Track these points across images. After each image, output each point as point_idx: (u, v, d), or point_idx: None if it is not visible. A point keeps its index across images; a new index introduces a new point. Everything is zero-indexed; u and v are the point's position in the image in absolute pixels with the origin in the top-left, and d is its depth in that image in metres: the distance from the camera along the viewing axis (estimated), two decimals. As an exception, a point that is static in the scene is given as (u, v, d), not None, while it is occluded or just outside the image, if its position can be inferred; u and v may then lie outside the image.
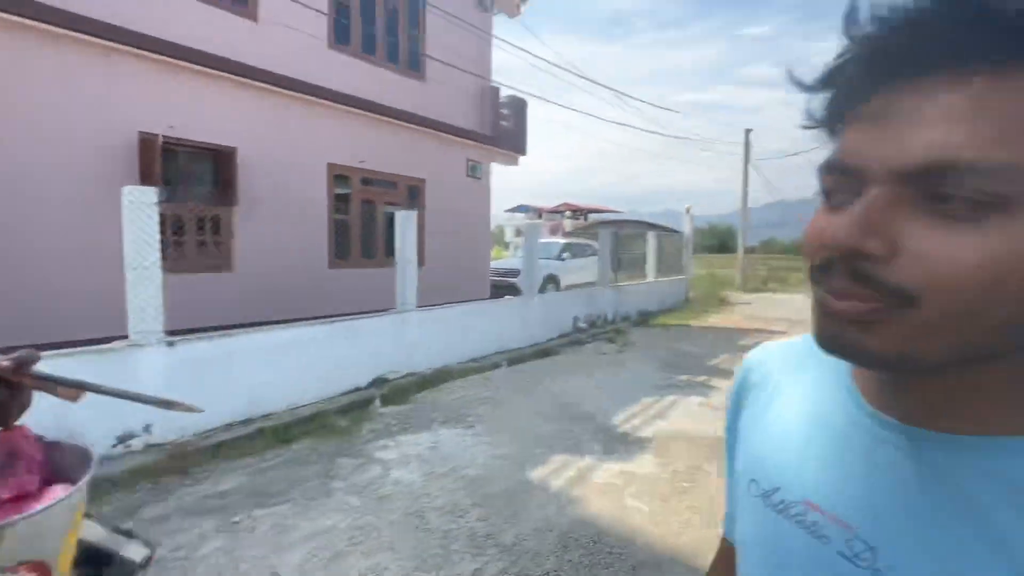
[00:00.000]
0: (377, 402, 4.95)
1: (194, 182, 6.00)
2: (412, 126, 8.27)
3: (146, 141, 5.35)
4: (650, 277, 12.21)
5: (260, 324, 5.13)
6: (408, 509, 2.99)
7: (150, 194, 3.85)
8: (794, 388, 0.50)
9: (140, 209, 3.77)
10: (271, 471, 3.48)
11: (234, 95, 6.17)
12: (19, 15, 4.58)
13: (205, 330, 4.62)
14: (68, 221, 4.87)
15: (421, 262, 6.64)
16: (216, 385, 4.10)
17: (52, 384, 0.71)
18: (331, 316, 5.47)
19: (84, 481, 0.70)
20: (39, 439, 0.73)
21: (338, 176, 7.43)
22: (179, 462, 3.46)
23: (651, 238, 12.37)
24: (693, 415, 4.80)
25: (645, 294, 11.52)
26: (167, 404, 0.82)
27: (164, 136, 5.50)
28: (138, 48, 5.29)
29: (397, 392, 5.24)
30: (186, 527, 2.74)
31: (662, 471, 3.61)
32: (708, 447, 3.97)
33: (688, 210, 14.93)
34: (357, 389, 5.26)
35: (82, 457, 0.74)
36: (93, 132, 5.12)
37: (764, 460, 0.48)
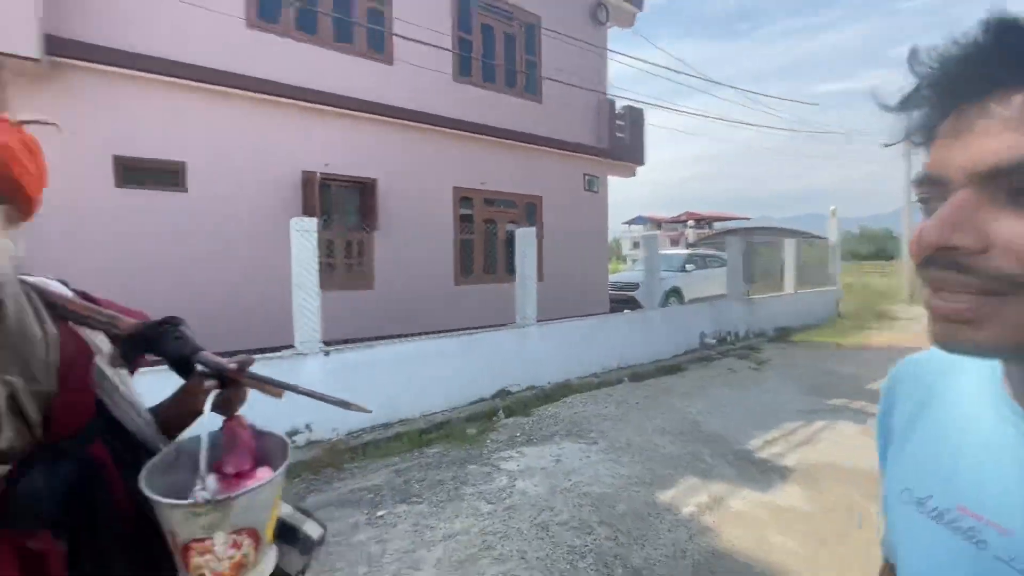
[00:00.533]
0: (500, 413, 5.11)
1: (343, 211, 6.84)
2: (530, 146, 8.56)
3: (307, 178, 6.24)
4: (789, 289, 11.03)
5: (395, 336, 5.63)
6: (534, 520, 3.03)
7: (311, 223, 4.47)
8: (944, 395, 0.51)
9: (304, 236, 4.40)
10: (409, 472, 3.77)
11: (375, 132, 6.95)
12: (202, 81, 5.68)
13: (350, 341, 5.19)
14: (250, 247, 5.84)
15: (540, 277, 6.78)
16: (362, 390, 4.57)
17: (263, 384, 0.86)
18: (457, 330, 5.81)
19: (284, 466, 0.82)
20: (251, 428, 0.88)
21: (463, 198, 7.94)
22: (334, 457, 3.90)
23: (789, 245, 11.20)
24: (847, 444, 4.20)
25: (784, 308, 10.43)
26: (344, 404, 0.95)
27: (321, 173, 6.36)
28: (300, 100, 6.23)
29: (519, 404, 5.36)
30: (341, 516, 3.07)
31: (812, 506, 3.21)
32: (867, 482, 3.44)
33: (833, 212, 13.26)
34: (482, 400, 5.49)
35: (280, 446, 0.88)
36: (267, 172, 6.11)
37: (917, 468, 0.49)
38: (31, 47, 4.47)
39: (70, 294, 0.83)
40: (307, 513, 1.00)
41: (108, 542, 0.74)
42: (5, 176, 0.71)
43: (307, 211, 6.18)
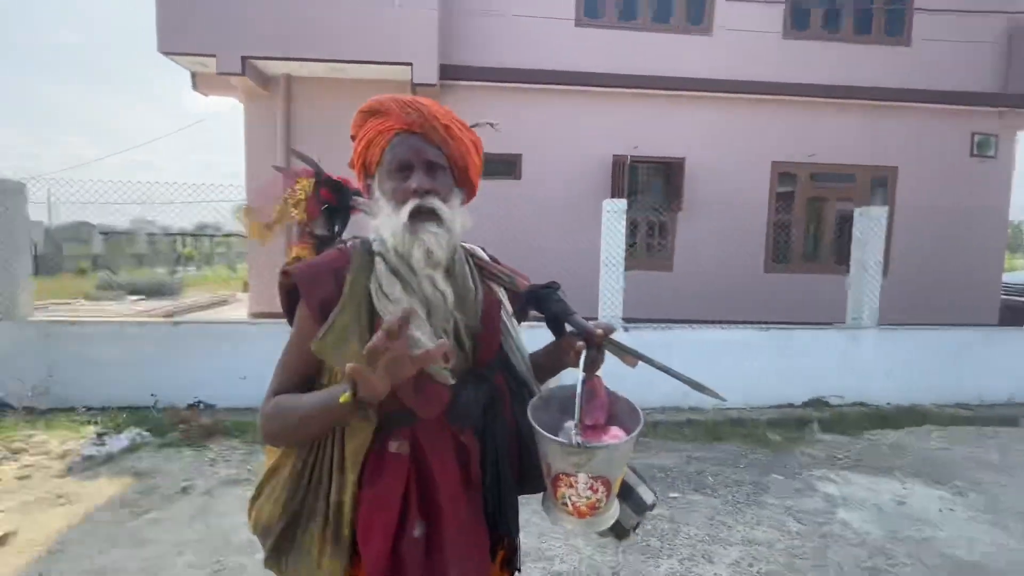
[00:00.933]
0: (815, 426, 4.36)
1: (648, 192, 6.92)
2: (884, 103, 6.80)
3: (617, 161, 6.55)
4: None
5: (692, 321, 5.42)
6: (862, 562, 2.48)
7: (622, 205, 4.68)
8: None
9: (615, 217, 4.65)
10: (702, 463, 3.63)
11: (686, 109, 6.72)
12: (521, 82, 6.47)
13: (647, 321, 5.26)
14: (563, 226, 6.53)
15: (885, 270, 5.40)
16: (657, 373, 4.60)
17: (622, 351, 0.91)
18: (763, 322, 5.20)
19: (639, 430, 0.85)
20: (607, 389, 0.94)
21: (782, 174, 6.95)
22: (627, 429, 4.08)
23: None
24: None
25: None
26: (699, 387, 0.92)
27: (631, 155, 6.58)
28: (615, 87, 6.53)
29: (840, 420, 4.46)
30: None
31: None
32: None
33: None
34: (790, 405, 4.79)
35: (630, 410, 0.92)
36: (582, 158, 6.68)
37: None
38: (433, 76, 6.03)
39: (486, 257, 1.06)
40: (642, 478, 1.05)
41: (501, 448, 0.94)
42: (463, 168, 0.95)
43: (615, 193, 6.51)
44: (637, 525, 1.03)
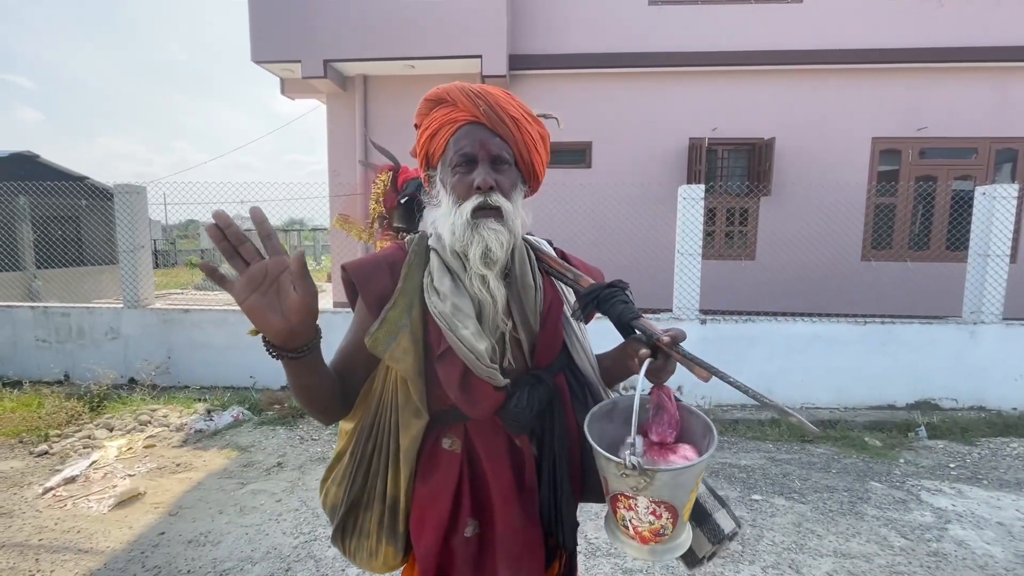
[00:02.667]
0: (921, 431, 3.93)
1: (727, 176, 6.52)
2: (1015, 64, 5.90)
3: (694, 144, 6.22)
4: None
5: (777, 314, 5.07)
6: (981, 587, 2.21)
7: (699, 191, 4.44)
8: None
9: (691, 204, 4.42)
10: (788, 465, 3.39)
11: (771, 86, 6.23)
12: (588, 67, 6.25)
13: (726, 313, 4.99)
14: (636, 215, 6.33)
15: (1013, 256, 4.73)
16: (733, 366, 4.36)
17: (692, 363, 0.81)
18: (861, 315, 4.75)
19: (710, 453, 0.76)
20: (678, 402, 0.85)
21: (885, 151, 6.26)
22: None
23: None
24: None
25: None
26: (783, 412, 0.79)
27: (709, 138, 6.22)
28: (693, 66, 6.17)
29: (953, 426, 3.98)
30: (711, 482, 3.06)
31: None
32: None
33: None
34: (891, 407, 4.36)
35: (703, 427, 0.82)
36: (655, 142, 6.40)
37: None
38: (502, 67, 6.03)
39: (552, 252, 1.00)
40: (723, 502, 0.96)
41: (560, 453, 0.89)
42: (529, 162, 0.91)
43: (691, 178, 6.20)
44: (712, 555, 0.94)
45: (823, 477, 3.22)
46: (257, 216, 0.64)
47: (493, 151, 0.85)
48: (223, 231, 0.62)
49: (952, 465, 3.41)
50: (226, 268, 0.74)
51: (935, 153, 6.25)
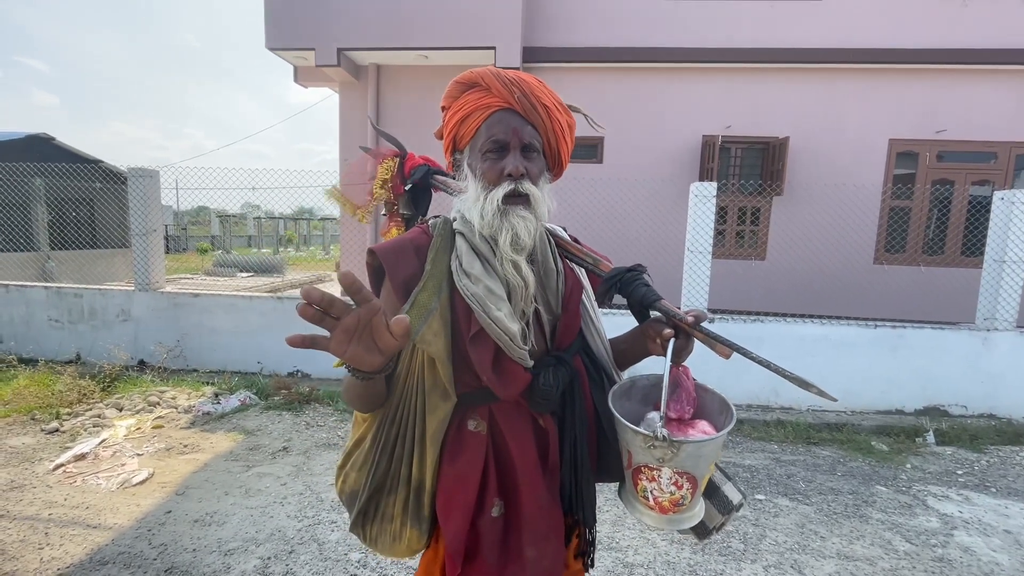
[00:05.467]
0: (929, 437, 3.89)
1: (739, 175, 6.46)
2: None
3: (707, 142, 6.16)
4: None
5: (786, 315, 5.03)
6: (986, 594, 2.19)
7: (711, 189, 4.40)
8: None
9: (702, 201, 4.38)
10: (792, 466, 3.38)
11: (786, 84, 6.15)
12: (608, 61, 6.20)
13: (734, 312, 4.96)
14: (647, 211, 6.30)
15: (1030, 263, 4.65)
16: (742, 363, 4.32)
17: (714, 341, 0.84)
18: (871, 319, 4.70)
19: (731, 426, 0.79)
20: (694, 380, 0.88)
21: (901, 153, 6.18)
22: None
23: None
24: None
25: None
26: (804, 384, 0.83)
27: (723, 136, 6.16)
28: (702, 62, 6.11)
29: (962, 433, 3.94)
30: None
31: None
32: None
33: None
34: (899, 412, 4.32)
35: (721, 405, 0.86)
36: (667, 139, 6.36)
37: None
38: (516, 59, 6.00)
39: (567, 238, 1.01)
40: (728, 476, 1.00)
41: (578, 433, 0.91)
42: (557, 151, 0.91)
43: (703, 175, 6.15)
44: (721, 525, 0.98)
45: (828, 479, 3.20)
46: (348, 280, 0.61)
47: (525, 139, 0.85)
48: (314, 305, 0.60)
49: (960, 472, 3.38)
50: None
51: (953, 156, 6.16)
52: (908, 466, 3.45)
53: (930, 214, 6.30)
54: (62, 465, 3.00)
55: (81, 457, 3.10)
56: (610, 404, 0.82)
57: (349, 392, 0.81)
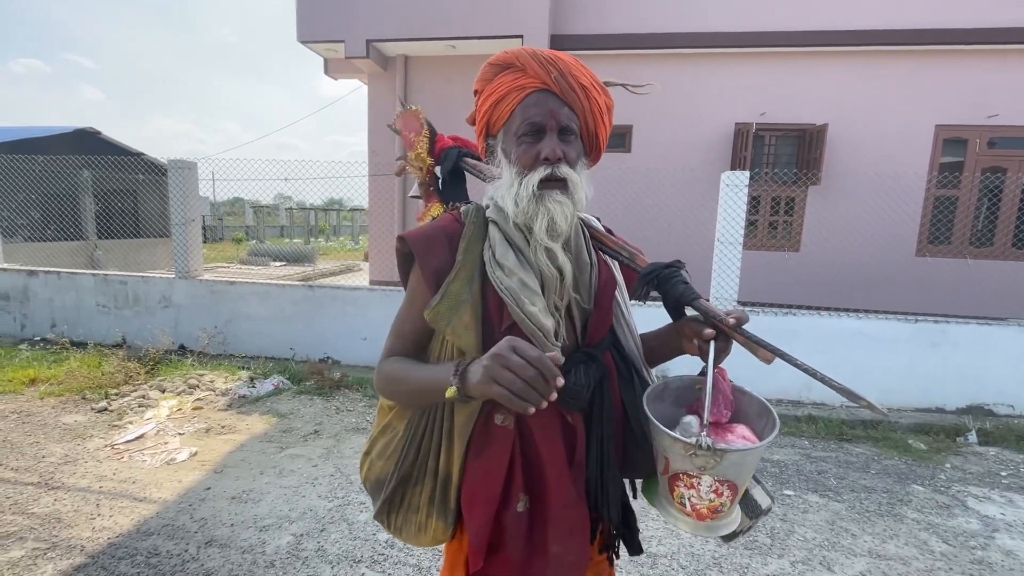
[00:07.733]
0: (972, 436, 3.74)
1: (774, 163, 6.26)
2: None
3: (740, 130, 5.99)
4: None
5: (821, 308, 4.88)
6: (1028, 599, 2.11)
7: (743, 178, 4.28)
8: None
9: (734, 191, 4.28)
10: (824, 463, 3.30)
11: (824, 69, 5.91)
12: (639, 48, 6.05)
13: (765, 305, 4.84)
14: (676, 201, 6.17)
15: (1089, 256, 4.38)
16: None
17: (755, 344, 0.79)
18: (913, 313, 4.51)
19: (775, 433, 0.75)
20: (730, 381, 0.84)
21: (948, 140, 5.88)
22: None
23: None
24: None
25: None
26: (852, 396, 0.78)
27: (757, 123, 5.97)
28: (736, 47, 5.91)
29: (1007, 433, 3.77)
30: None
31: None
32: None
33: None
34: (940, 411, 4.16)
35: (760, 408, 0.82)
36: (700, 127, 6.20)
37: None
38: (543, 48, 5.94)
39: (602, 229, 0.97)
40: (758, 479, 0.95)
41: (607, 430, 0.88)
42: (595, 134, 0.86)
43: (735, 164, 5.99)
44: (748, 528, 0.94)
45: (861, 477, 3.11)
46: (555, 361, 0.67)
47: (562, 121, 0.81)
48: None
49: (1004, 473, 3.24)
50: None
51: (1006, 143, 5.82)
52: (947, 466, 3.32)
53: (979, 204, 5.99)
54: (118, 445, 3.18)
55: (139, 437, 3.27)
56: (646, 408, 0.79)
57: (400, 391, 0.83)
